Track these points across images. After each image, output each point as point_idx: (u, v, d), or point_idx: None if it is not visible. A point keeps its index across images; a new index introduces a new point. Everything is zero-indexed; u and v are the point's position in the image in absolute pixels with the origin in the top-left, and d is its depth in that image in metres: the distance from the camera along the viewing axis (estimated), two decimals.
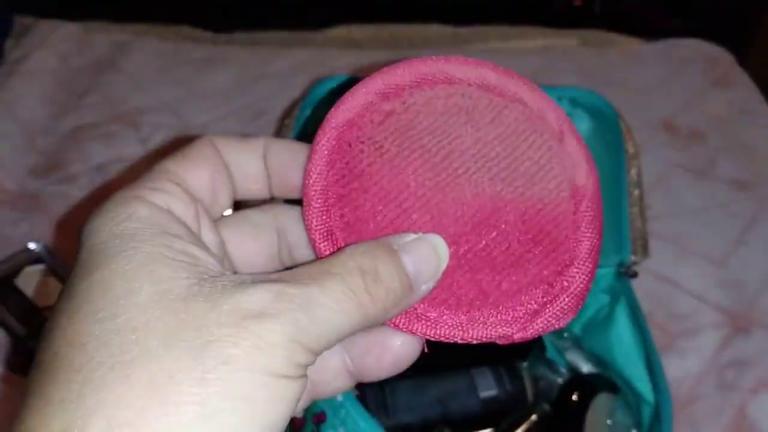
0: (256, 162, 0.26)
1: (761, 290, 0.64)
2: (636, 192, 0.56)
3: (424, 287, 0.23)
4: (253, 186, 0.26)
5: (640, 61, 0.91)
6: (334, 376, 0.25)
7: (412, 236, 0.24)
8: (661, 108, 0.83)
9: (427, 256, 0.24)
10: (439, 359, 0.57)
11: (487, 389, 0.55)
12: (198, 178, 0.24)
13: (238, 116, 0.79)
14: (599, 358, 0.55)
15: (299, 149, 0.27)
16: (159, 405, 0.17)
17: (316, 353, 0.20)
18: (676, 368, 0.60)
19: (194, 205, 0.24)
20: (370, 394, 0.53)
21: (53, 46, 0.89)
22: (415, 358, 0.25)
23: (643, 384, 0.51)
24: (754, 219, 0.69)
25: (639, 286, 0.63)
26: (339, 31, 1.17)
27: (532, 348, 0.58)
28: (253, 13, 1.31)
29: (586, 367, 0.56)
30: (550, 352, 0.58)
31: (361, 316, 0.21)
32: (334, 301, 0.20)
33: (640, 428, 0.51)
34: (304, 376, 0.19)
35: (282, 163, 0.26)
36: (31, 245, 0.62)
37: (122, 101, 0.80)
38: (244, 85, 0.85)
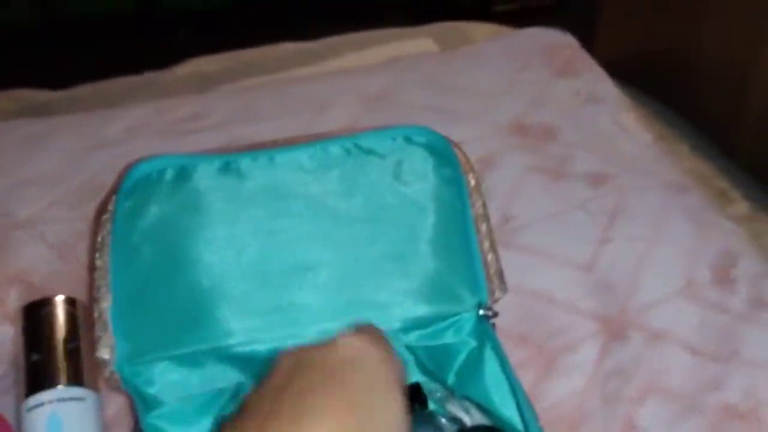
0: None
1: (631, 290, 0.64)
2: (484, 227, 0.54)
3: None
4: None
5: (486, 61, 0.90)
6: None
7: None
8: (510, 109, 0.81)
9: None
10: None
11: None
12: None
13: (68, 200, 0.73)
14: (478, 404, 0.53)
15: None
16: None
17: None
18: (560, 389, 0.58)
19: None
20: None
21: None
22: None
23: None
24: (614, 214, 0.69)
25: (514, 306, 0.61)
26: (188, 67, 1.12)
27: (413, 403, 0.56)
28: (96, 62, 1.24)
29: (467, 417, 0.53)
30: (432, 405, 0.56)
31: None
32: None
33: None
34: None
35: None
36: None
37: None
38: (75, 160, 0.78)
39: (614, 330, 0.61)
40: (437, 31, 1.11)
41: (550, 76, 0.85)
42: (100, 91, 1.06)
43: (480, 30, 1.11)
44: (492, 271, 0.53)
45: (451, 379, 0.54)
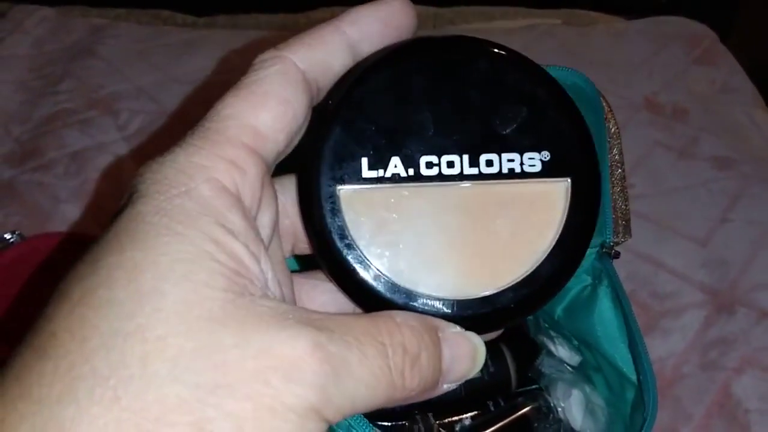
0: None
1: (744, 269, 0.64)
2: (618, 171, 0.55)
3: (446, 387, 0.21)
4: None
5: (623, 39, 0.91)
6: None
7: (456, 329, 0.21)
8: (643, 86, 0.82)
9: (464, 356, 0.21)
10: None
11: None
12: (278, 132, 0.20)
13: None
14: (582, 339, 0.55)
15: None
16: None
17: (330, 423, 0.17)
18: (659, 348, 0.60)
19: (263, 178, 0.20)
20: None
21: (27, 31, 0.87)
22: None
23: (626, 364, 0.51)
24: (737, 198, 0.69)
25: (622, 266, 0.62)
26: (322, 13, 1.16)
27: (518, 330, 0.58)
28: None
29: (563, 351, 0.55)
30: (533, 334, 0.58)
31: (386, 397, 0.18)
32: (369, 374, 0.18)
33: (624, 408, 0.51)
34: None
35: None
36: (7, 236, 0.61)
37: (99, 87, 0.79)
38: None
39: (722, 303, 0.62)
40: (568, 15, 1.11)
41: (687, 61, 0.86)
42: (239, 22, 1.11)
43: (612, 20, 1.11)
44: (619, 214, 0.55)
45: (558, 312, 0.56)
